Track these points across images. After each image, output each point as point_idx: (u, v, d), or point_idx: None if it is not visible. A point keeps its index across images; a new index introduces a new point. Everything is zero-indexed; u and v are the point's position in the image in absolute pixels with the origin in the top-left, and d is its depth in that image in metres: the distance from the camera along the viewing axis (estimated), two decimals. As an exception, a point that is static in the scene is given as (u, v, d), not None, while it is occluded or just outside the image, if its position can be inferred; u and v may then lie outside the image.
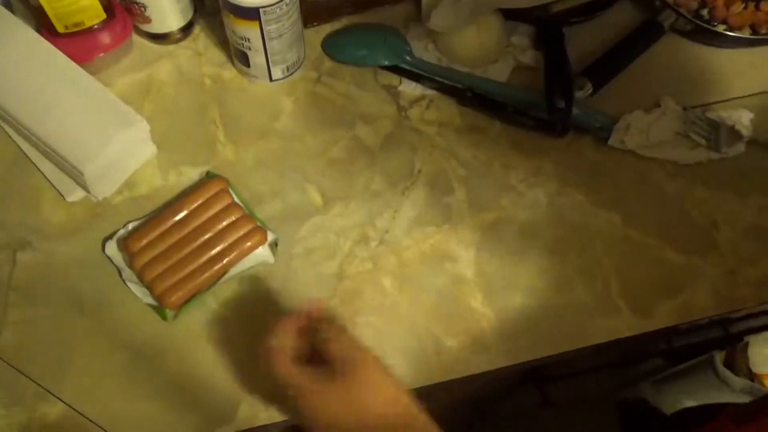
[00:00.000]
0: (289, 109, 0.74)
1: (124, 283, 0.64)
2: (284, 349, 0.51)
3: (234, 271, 0.64)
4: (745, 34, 0.77)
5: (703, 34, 0.77)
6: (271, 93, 0.75)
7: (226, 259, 0.63)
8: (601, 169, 0.72)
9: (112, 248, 0.65)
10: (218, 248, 0.63)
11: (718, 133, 0.72)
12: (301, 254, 0.67)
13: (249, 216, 0.65)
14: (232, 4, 0.64)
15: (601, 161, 0.72)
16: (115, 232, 0.66)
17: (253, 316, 0.64)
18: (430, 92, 0.75)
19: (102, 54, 0.73)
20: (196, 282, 0.62)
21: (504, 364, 0.64)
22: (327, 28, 0.78)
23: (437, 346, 0.64)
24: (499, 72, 0.75)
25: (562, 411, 1.01)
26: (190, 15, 0.75)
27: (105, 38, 0.73)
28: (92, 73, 0.71)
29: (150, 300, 0.63)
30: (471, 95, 0.74)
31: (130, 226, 0.66)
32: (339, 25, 0.79)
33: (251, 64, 0.71)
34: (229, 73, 0.76)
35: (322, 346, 0.50)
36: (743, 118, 0.73)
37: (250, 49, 0.69)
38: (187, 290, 0.62)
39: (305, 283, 0.65)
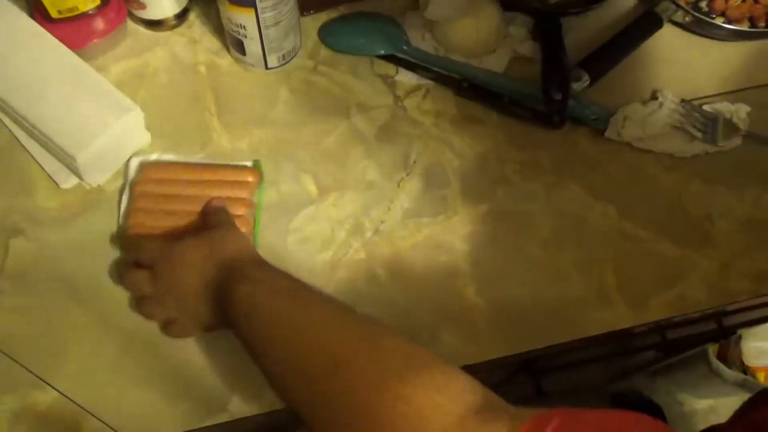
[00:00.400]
0: (285, 98, 0.73)
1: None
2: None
3: None
4: (744, 26, 0.77)
5: (702, 26, 0.77)
6: (267, 81, 0.74)
7: None
8: (597, 161, 0.72)
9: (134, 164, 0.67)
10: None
11: (714, 126, 0.72)
12: (295, 243, 0.66)
13: (251, 218, 0.65)
14: (227, -9, 0.64)
15: (597, 153, 0.72)
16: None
17: (247, 305, 0.64)
18: (427, 82, 0.75)
19: (96, 40, 0.72)
20: None
21: (497, 355, 0.64)
22: (324, 17, 0.78)
23: (431, 336, 0.64)
24: (497, 62, 0.75)
25: (556, 402, 1.02)
26: (185, 1, 0.75)
27: (99, 24, 0.72)
28: (87, 59, 0.70)
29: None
30: (467, 86, 0.73)
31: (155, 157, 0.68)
32: (336, 14, 0.78)
33: (247, 51, 0.71)
34: (225, 60, 0.75)
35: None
36: (740, 112, 0.73)
37: (245, 36, 0.69)
38: None
39: (299, 272, 0.65)
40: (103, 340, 0.62)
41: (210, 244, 0.58)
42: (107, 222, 0.66)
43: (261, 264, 0.57)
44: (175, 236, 0.60)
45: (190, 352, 0.62)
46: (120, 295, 0.63)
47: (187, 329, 0.60)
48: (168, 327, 0.61)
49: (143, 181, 0.66)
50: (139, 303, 0.61)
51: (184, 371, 0.61)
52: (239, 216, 0.64)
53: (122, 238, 0.64)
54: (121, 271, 0.62)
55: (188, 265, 0.57)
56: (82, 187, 0.68)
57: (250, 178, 0.66)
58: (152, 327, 0.62)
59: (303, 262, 0.66)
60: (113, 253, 0.65)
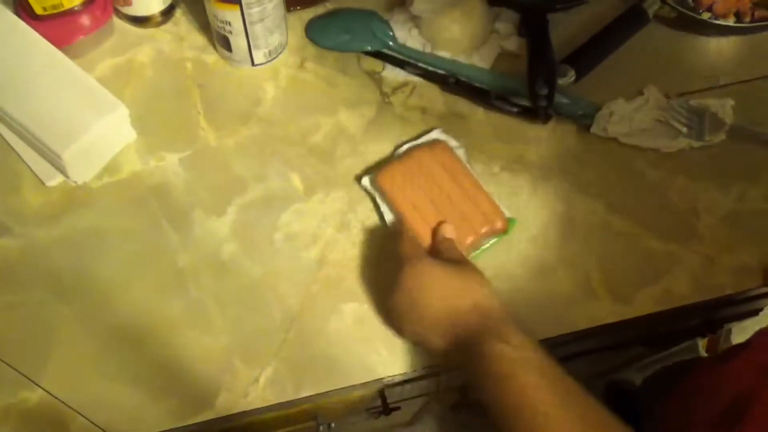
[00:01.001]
0: (271, 95, 0.73)
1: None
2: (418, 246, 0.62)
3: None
4: (730, 22, 0.77)
5: (688, 21, 0.77)
6: (253, 78, 0.74)
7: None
8: (584, 156, 0.72)
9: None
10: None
11: (701, 121, 0.72)
12: (282, 240, 0.66)
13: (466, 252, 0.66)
14: (212, -12, 0.64)
15: (583, 149, 0.72)
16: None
17: (235, 304, 0.64)
18: (414, 78, 0.75)
19: (82, 37, 0.72)
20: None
21: (484, 350, 0.64)
22: (310, 13, 0.78)
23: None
24: (483, 58, 0.75)
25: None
26: (171, -2, 0.75)
27: (85, 21, 0.72)
28: (73, 56, 0.70)
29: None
30: (454, 81, 0.73)
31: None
32: (322, 10, 0.78)
33: (233, 48, 0.71)
34: (211, 57, 0.75)
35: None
36: (726, 106, 0.73)
37: (231, 33, 0.69)
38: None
39: (286, 269, 0.65)
40: (90, 337, 0.62)
41: (464, 280, 0.58)
42: (93, 219, 0.66)
43: (513, 325, 0.56)
44: (430, 252, 0.62)
45: (177, 348, 0.62)
46: (107, 293, 0.63)
47: (401, 331, 0.61)
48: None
49: (427, 151, 0.67)
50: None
51: (172, 367, 0.61)
52: (461, 243, 0.64)
53: (394, 225, 0.66)
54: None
55: (436, 288, 0.58)
56: (67, 185, 0.67)
57: (498, 224, 0.66)
58: (139, 324, 0.62)
59: (290, 258, 0.66)
60: (100, 250, 0.65)
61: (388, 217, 0.66)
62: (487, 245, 0.67)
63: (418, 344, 0.61)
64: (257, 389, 0.61)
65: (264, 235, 0.67)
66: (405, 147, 0.69)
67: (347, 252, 0.66)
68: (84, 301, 0.63)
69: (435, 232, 0.64)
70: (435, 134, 0.70)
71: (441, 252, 0.62)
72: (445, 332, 0.57)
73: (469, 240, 0.65)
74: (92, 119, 0.64)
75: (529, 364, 0.53)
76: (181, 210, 0.67)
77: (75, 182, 0.67)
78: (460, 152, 0.69)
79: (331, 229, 0.67)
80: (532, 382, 0.51)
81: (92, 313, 0.63)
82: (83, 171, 0.67)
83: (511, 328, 0.55)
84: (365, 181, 0.67)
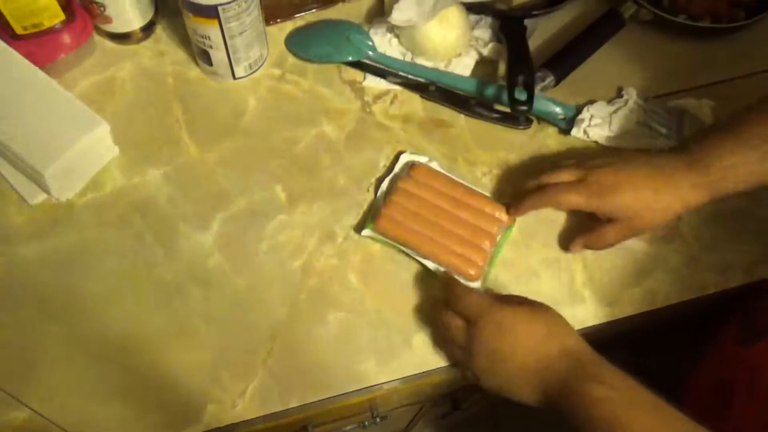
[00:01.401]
0: (253, 107, 0.74)
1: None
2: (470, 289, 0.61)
3: None
4: (706, 23, 0.78)
5: (665, 23, 0.78)
6: (235, 91, 0.74)
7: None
8: (565, 160, 0.72)
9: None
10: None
11: (680, 121, 0.73)
12: (266, 251, 0.67)
13: (488, 254, 0.66)
14: (190, 3, 0.64)
15: (565, 152, 0.73)
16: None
17: (221, 316, 0.64)
18: (395, 87, 0.75)
19: (63, 55, 0.72)
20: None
21: (471, 356, 0.64)
22: (290, 25, 0.78)
23: (405, 340, 0.64)
24: (463, 66, 0.76)
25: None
26: (151, 14, 0.75)
27: (65, 39, 0.72)
28: (55, 74, 0.70)
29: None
30: (434, 89, 0.74)
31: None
32: (302, 22, 0.79)
33: (213, 62, 0.71)
34: (193, 71, 0.75)
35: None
36: (704, 107, 0.74)
37: (211, 47, 0.69)
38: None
39: (271, 280, 0.65)
40: (76, 355, 0.62)
41: (547, 325, 0.57)
42: (77, 236, 0.66)
43: (606, 363, 0.54)
44: (500, 299, 0.59)
45: (164, 362, 0.62)
46: (92, 310, 0.63)
47: (481, 384, 0.59)
48: (463, 373, 0.61)
49: (408, 180, 0.67)
50: (446, 344, 0.62)
51: (159, 382, 0.62)
52: (481, 250, 0.65)
53: (445, 277, 0.64)
54: (437, 309, 0.62)
55: (519, 336, 0.56)
56: (50, 203, 0.68)
57: (503, 217, 0.67)
58: (125, 339, 0.62)
59: (275, 269, 0.66)
60: (84, 267, 0.65)
61: (431, 265, 0.65)
62: (503, 243, 0.67)
63: (503, 395, 0.58)
64: (245, 401, 0.61)
65: (249, 247, 0.67)
66: (385, 183, 0.69)
67: (332, 262, 0.67)
68: (70, 319, 0.63)
69: (462, 291, 0.60)
70: (405, 158, 0.70)
71: (515, 299, 0.60)
72: (534, 381, 0.55)
73: (486, 244, 0.65)
74: (73, 137, 0.64)
75: (633, 403, 0.51)
76: (165, 224, 0.67)
77: (58, 200, 0.67)
78: (435, 164, 0.69)
79: (315, 239, 0.67)
80: (642, 421, 0.50)
81: (78, 330, 0.63)
82: (66, 188, 0.67)
83: (605, 368, 0.54)
84: (366, 232, 0.66)
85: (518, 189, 0.70)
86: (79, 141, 0.64)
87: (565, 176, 0.65)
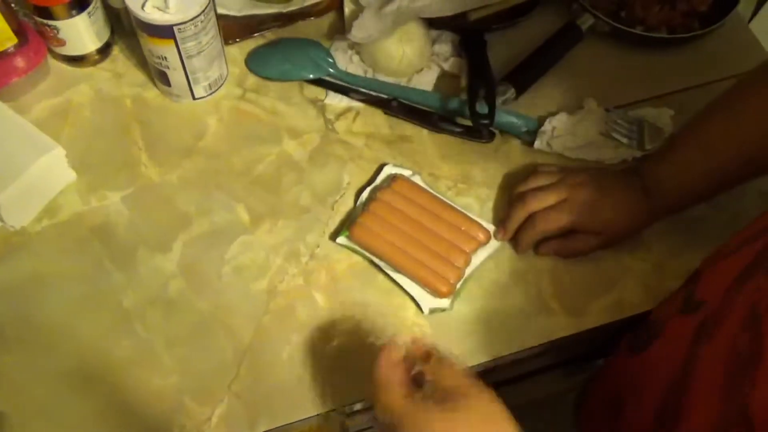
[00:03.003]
0: (214, 128, 0.73)
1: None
2: (391, 382, 0.48)
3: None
4: (663, 34, 0.79)
5: (622, 35, 0.79)
6: (195, 111, 0.73)
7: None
8: (529, 172, 0.72)
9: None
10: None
11: (640, 131, 0.74)
12: (230, 274, 0.65)
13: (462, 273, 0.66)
14: (145, 24, 0.63)
15: (529, 164, 0.73)
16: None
17: (184, 341, 0.62)
18: (357, 104, 0.75)
19: (17, 79, 0.71)
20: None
21: (441, 372, 0.63)
22: (251, 44, 0.78)
23: (373, 359, 0.63)
24: (425, 81, 0.76)
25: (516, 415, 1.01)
26: (106, 36, 0.74)
27: (19, 62, 0.71)
28: (8, 99, 0.69)
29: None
30: (397, 105, 0.74)
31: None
32: (262, 41, 0.78)
33: (171, 83, 0.70)
34: (151, 93, 0.74)
35: (419, 378, 0.49)
36: (664, 116, 0.75)
37: (168, 68, 0.68)
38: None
39: (236, 303, 0.64)
40: (36, 386, 0.60)
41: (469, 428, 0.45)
42: (33, 263, 0.65)
43: None
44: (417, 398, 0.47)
45: (126, 390, 0.60)
46: (50, 337, 0.61)
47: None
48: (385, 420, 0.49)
49: (389, 192, 0.67)
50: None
51: (121, 410, 0.60)
52: (455, 267, 0.64)
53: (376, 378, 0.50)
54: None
55: None
56: (5, 230, 0.66)
57: (480, 236, 0.66)
58: (86, 368, 0.61)
59: (239, 291, 0.65)
60: (39, 296, 0.63)
61: (401, 280, 0.64)
62: (482, 260, 0.67)
63: None
64: (210, 427, 0.59)
65: (211, 269, 0.65)
66: (365, 193, 0.69)
67: (297, 281, 0.65)
68: (27, 349, 0.61)
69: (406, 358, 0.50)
70: (388, 170, 0.70)
71: (431, 382, 0.48)
72: None
73: (460, 262, 0.65)
74: (26, 162, 0.63)
75: None
76: (124, 249, 0.66)
77: (13, 227, 0.65)
78: (417, 179, 0.69)
79: (279, 259, 0.66)
80: None
81: (36, 360, 0.61)
82: (20, 215, 0.65)
83: None
84: (341, 240, 0.66)
85: (483, 200, 0.70)
86: (32, 166, 0.63)
87: (549, 198, 0.66)
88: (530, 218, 0.66)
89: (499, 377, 1.04)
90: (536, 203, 0.66)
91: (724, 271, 0.52)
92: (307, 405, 0.61)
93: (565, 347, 0.67)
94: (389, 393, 0.47)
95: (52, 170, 0.66)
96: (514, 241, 0.68)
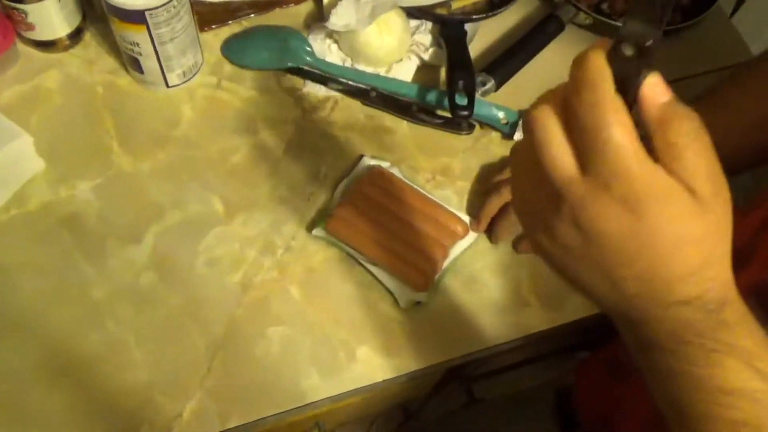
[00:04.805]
0: (188, 116, 0.71)
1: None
2: (552, 139, 0.32)
3: None
4: (644, 26, 0.79)
5: (604, 27, 0.78)
6: (169, 100, 0.72)
7: None
8: (505, 162, 0.72)
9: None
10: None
11: (620, 124, 0.73)
12: (204, 266, 0.64)
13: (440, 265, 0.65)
14: (115, 8, 0.61)
15: (508, 156, 0.72)
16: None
17: (156, 335, 0.61)
18: (335, 94, 0.74)
19: (-17, 65, 0.69)
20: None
21: (417, 367, 0.63)
22: (227, 31, 0.76)
23: (349, 353, 0.62)
24: (404, 71, 0.75)
25: (492, 407, 1.01)
26: (77, 21, 0.72)
27: (-15, 48, 0.69)
28: (-26, 85, 0.67)
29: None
30: (375, 95, 0.73)
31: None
32: (239, 28, 0.76)
33: (144, 70, 0.68)
34: (124, 80, 0.72)
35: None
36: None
37: (141, 54, 0.66)
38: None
39: (209, 296, 0.63)
40: (1, 381, 0.58)
41: (709, 245, 0.32)
42: (1, 256, 0.63)
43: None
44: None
45: (95, 385, 0.59)
46: (17, 332, 0.60)
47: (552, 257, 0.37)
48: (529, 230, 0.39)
49: (366, 183, 0.66)
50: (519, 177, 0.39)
51: (91, 406, 0.59)
52: (432, 260, 0.63)
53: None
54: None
55: (662, 245, 0.31)
56: (-30, 220, 0.64)
57: (458, 229, 0.65)
58: (54, 362, 0.59)
59: (213, 284, 0.63)
60: (8, 287, 0.61)
61: (377, 272, 0.64)
62: (459, 253, 0.66)
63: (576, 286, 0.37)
64: (181, 423, 0.58)
65: (184, 261, 0.64)
66: (342, 185, 0.68)
67: (272, 274, 0.64)
68: (-7, 343, 0.60)
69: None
70: (366, 162, 0.69)
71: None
72: (649, 309, 0.34)
73: (438, 255, 0.64)
74: (-9, 150, 0.61)
75: None
76: (95, 240, 0.64)
77: (-22, 217, 0.64)
78: (395, 171, 0.69)
79: (254, 251, 0.65)
80: None
81: (2, 354, 0.59)
82: (-14, 205, 0.63)
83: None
84: (317, 231, 0.65)
85: (462, 192, 0.70)
86: (-2, 154, 0.61)
87: None
88: (505, 208, 0.65)
89: (479, 370, 1.04)
90: (510, 193, 0.65)
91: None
92: (281, 400, 0.60)
93: (546, 339, 0.67)
94: (548, 155, 0.32)
95: (19, 159, 0.64)
96: (490, 232, 0.67)
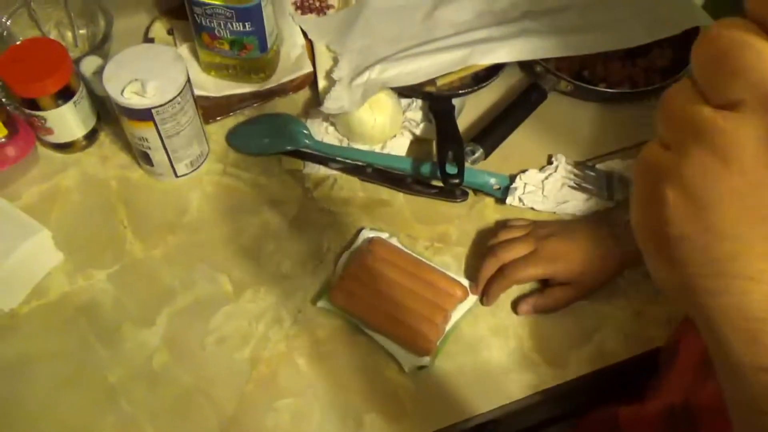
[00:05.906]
0: (197, 203, 0.75)
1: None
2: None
3: None
4: (625, 89, 0.83)
5: (586, 92, 0.82)
6: (178, 188, 0.76)
7: None
8: (501, 226, 0.74)
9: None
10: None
11: (609, 183, 0.76)
12: (213, 344, 0.66)
13: (442, 329, 0.67)
14: (125, 108, 0.67)
15: (502, 220, 0.75)
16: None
17: (168, 414, 0.63)
18: (334, 172, 0.78)
19: (8, 167, 0.74)
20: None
21: (426, 431, 0.63)
22: (231, 121, 0.81)
23: (357, 420, 0.63)
24: (398, 146, 0.79)
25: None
26: (92, 123, 0.77)
27: (10, 152, 0.74)
28: (0, 187, 0.72)
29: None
30: (372, 171, 0.76)
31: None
32: (243, 117, 0.82)
33: (154, 162, 0.73)
34: (136, 173, 0.77)
35: None
36: (632, 167, 0.77)
37: (150, 148, 0.71)
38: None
39: (219, 373, 0.65)
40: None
41: None
42: (21, 345, 0.66)
43: None
44: None
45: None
46: (36, 418, 0.62)
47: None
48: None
49: (367, 254, 0.69)
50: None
51: None
52: (434, 325, 0.65)
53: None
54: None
55: None
56: (-5, 313, 0.67)
57: (457, 293, 0.68)
58: None
59: (223, 362, 0.66)
60: (28, 376, 0.64)
61: (382, 341, 0.66)
62: (460, 316, 0.68)
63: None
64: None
65: (195, 341, 0.67)
66: (344, 257, 0.71)
67: (279, 348, 0.66)
68: (12, 429, 0.62)
69: None
70: (365, 234, 0.72)
71: None
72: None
73: (439, 319, 0.66)
74: (11, 246, 0.65)
75: None
76: (110, 325, 0.67)
77: (1, 310, 0.67)
78: (394, 240, 0.71)
79: (262, 326, 0.68)
80: None
81: (26, 440, 0.62)
82: (9, 298, 0.67)
83: None
84: (322, 303, 0.68)
85: (460, 257, 0.72)
86: (18, 249, 0.65)
87: (519, 249, 0.68)
88: (500, 270, 0.68)
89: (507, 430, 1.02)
90: (506, 254, 0.68)
91: None
92: (293, 472, 0.61)
93: (560, 398, 0.67)
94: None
95: (39, 252, 0.68)
96: (485, 293, 0.69)
